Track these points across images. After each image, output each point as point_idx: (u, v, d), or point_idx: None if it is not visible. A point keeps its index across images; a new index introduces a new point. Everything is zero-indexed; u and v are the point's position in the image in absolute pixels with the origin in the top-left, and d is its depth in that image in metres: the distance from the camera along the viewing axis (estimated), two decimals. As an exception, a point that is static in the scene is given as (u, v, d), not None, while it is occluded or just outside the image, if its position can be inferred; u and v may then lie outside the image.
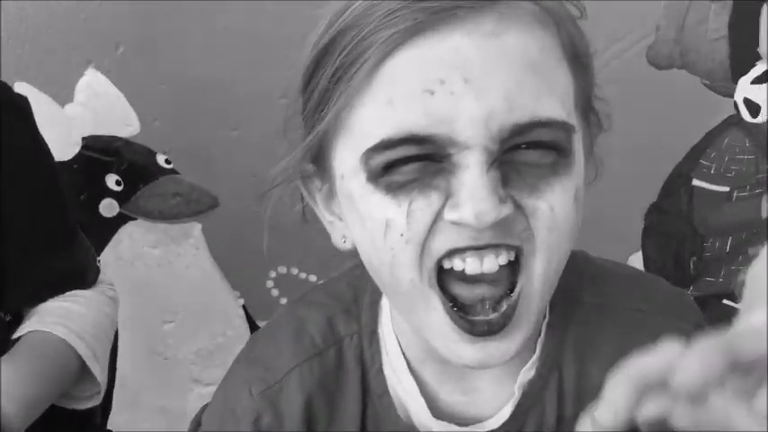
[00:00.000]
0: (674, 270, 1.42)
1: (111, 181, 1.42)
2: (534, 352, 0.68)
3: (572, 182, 0.57)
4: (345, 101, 0.57)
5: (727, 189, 1.39)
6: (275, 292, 1.47)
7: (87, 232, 1.43)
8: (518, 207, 0.55)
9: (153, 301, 1.47)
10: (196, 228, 1.45)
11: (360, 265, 0.70)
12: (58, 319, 0.95)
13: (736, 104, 1.36)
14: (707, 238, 1.41)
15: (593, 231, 1.29)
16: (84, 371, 0.96)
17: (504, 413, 0.68)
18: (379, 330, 0.70)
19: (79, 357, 0.94)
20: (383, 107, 0.55)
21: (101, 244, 1.45)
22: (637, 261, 1.41)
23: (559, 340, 0.69)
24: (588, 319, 0.69)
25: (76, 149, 1.40)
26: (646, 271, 1.42)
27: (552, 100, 0.55)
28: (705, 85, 1.35)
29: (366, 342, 0.70)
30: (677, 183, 1.39)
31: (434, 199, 0.55)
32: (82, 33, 1.35)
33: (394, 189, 0.56)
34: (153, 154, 1.41)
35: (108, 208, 1.43)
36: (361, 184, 0.57)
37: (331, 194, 0.64)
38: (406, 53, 0.55)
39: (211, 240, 1.45)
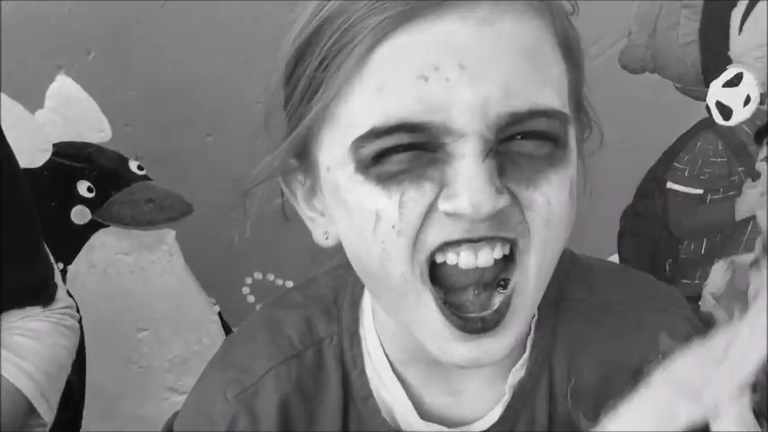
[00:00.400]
0: (650, 272, 1.43)
1: (83, 187, 1.40)
2: (524, 351, 0.67)
3: (568, 174, 0.56)
4: (334, 90, 0.55)
5: (700, 191, 1.40)
6: (251, 299, 1.46)
7: (59, 239, 1.42)
8: (514, 199, 0.54)
9: (127, 308, 1.45)
10: (170, 234, 1.43)
11: (339, 266, 0.69)
12: (12, 356, 0.98)
13: (708, 108, 1.37)
14: (682, 240, 1.42)
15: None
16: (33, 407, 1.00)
17: (494, 414, 0.67)
18: (361, 331, 0.69)
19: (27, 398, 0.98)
20: (374, 95, 0.53)
21: (73, 251, 1.43)
22: (612, 264, 1.42)
23: (550, 338, 0.68)
24: (577, 316, 0.69)
25: (47, 156, 1.39)
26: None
27: (549, 89, 0.54)
28: (677, 88, 1.36)
29: (347, 343, 0.69)
30: (652, 186, 1.40)
31: (428, 189, 0.53)
32: (52, 39, 1.33)
33: (384, 180, 0.54)
34: (125, 160, 1.40)
35: (80, 215, 1.41)
36: (349, 176, 0.55)
37: (313, 190, 0.62)
38: (398, 39, 0.53)
39: (186, 247, 1.44)
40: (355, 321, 0.69)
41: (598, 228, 1.40)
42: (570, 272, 0.70)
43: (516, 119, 0.53)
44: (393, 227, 0.54)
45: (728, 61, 1.35)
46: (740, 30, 1.33)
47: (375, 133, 0.53)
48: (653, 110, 1.35)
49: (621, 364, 0.68)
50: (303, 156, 0.61)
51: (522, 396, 0.67)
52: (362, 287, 0.69)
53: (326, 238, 0.63)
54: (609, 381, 0.68)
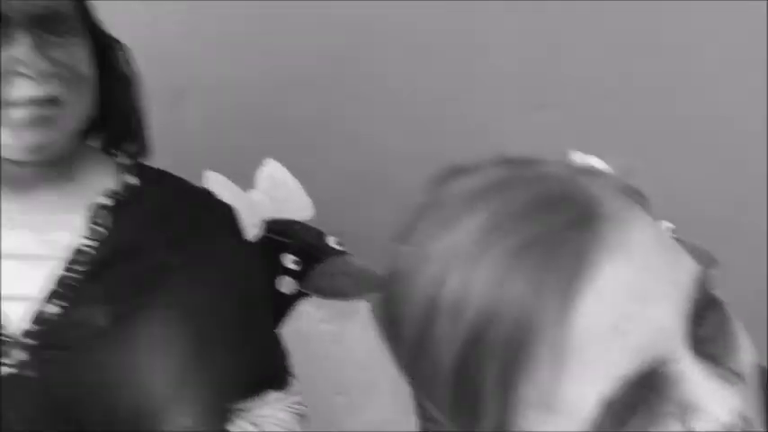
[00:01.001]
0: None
1: (288, 260, 1.50)
2: None
3: None
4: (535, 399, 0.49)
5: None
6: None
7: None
8: None
9: (325, 374, 1.49)
10: (363, 305, 1.53)
11: None
12: None
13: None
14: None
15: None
16: None
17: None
18: None
19: None
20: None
21: (277, 320, 1.48)
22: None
23: None
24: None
25: (258, 231, 1.49)
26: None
27: None
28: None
29: None
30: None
31: None
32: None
33: None
34: (323, 235, 1.53)
35: (286, 285, 1.49)
36: None
37: None
38: (586, 295, 0.47)
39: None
40: None
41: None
42: None
43: None
44: None
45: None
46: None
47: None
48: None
49: None
50: None
51: None
52: None
53: None
54: None
